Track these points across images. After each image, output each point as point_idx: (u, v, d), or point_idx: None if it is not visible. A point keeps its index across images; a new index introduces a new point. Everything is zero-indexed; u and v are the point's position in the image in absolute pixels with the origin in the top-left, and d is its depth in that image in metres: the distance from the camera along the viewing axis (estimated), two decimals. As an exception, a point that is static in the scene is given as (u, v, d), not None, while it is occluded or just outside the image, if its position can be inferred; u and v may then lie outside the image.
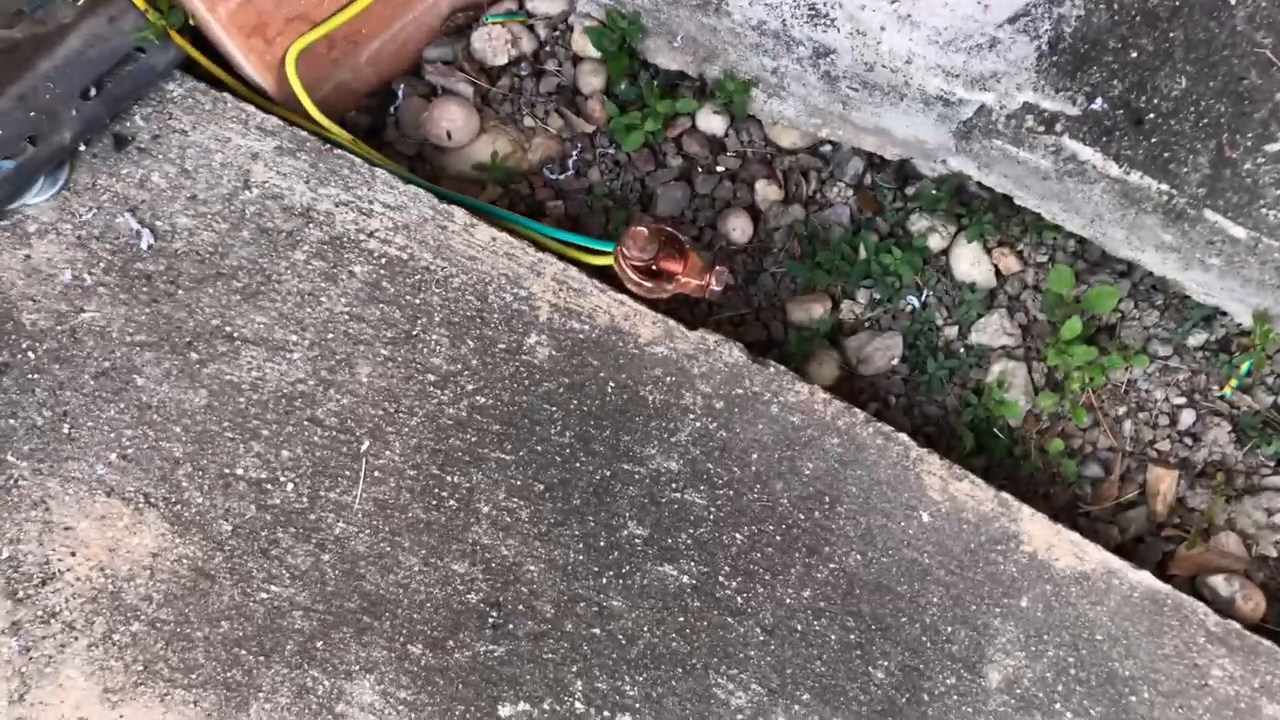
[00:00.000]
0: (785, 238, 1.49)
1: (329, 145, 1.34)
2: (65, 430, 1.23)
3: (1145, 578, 1.22)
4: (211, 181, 1.32)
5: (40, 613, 1.18)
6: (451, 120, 1.48)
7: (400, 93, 1.53)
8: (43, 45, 1.30)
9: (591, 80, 1.54)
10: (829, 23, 1.28)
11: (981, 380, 1.41)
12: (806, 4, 1.28)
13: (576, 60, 1.56)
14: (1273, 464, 1.38)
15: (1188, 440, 1.40)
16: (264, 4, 1.26)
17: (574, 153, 1.53)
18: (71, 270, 1.29)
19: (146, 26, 1.31)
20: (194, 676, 1.17)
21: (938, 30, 1.25)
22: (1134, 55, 1.23)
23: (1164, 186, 1.21)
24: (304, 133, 1.35)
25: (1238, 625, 1.21)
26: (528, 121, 1.54)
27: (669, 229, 1.27)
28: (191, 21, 1.30)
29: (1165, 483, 1.38)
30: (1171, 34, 1.24)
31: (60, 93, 1.30)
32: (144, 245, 1.30)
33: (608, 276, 1.35)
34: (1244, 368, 1.38)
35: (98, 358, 1.26)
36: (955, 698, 1.18)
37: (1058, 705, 1.18)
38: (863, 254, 1.46)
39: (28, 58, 1.29)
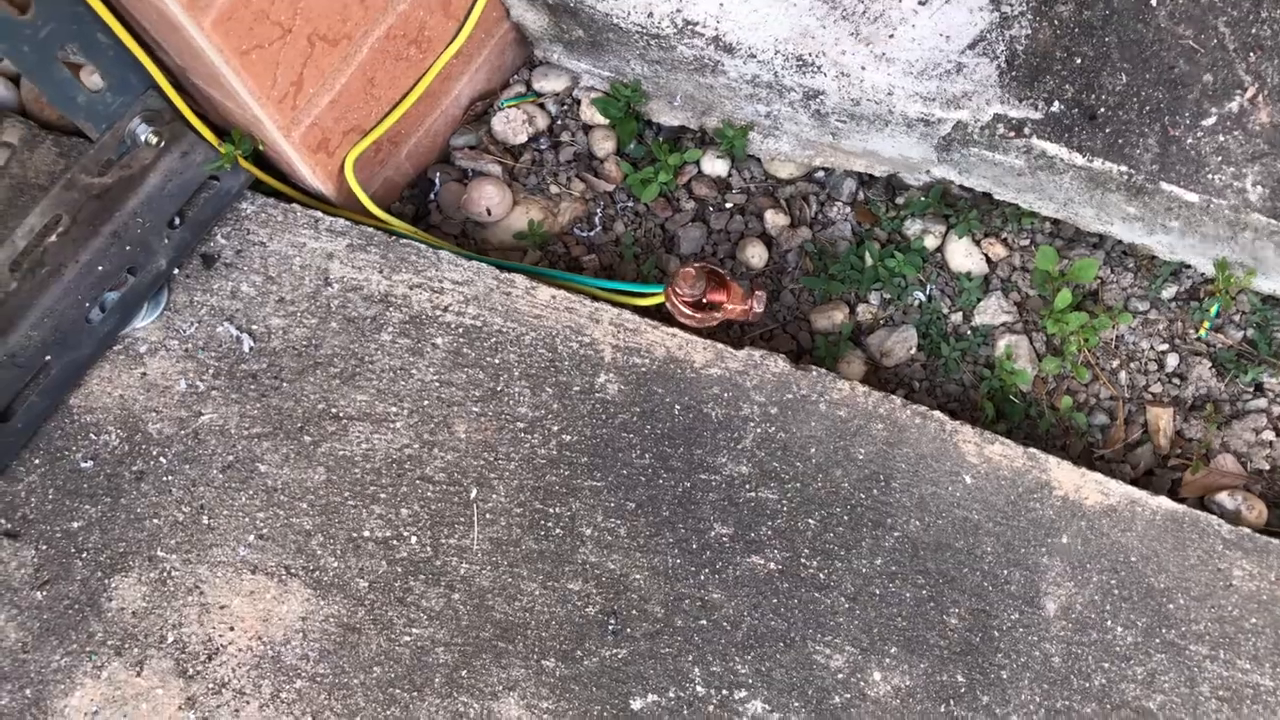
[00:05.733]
0: (798, 257, 1.68)
1: (394, 236, 1.51)
2: (205, 521, 1.38)
3: (1164, 502, 1.41)
4: (295, 283, 1.49)
5: (211, 685, 1.32)
6: (489, 198, 1.65)
7: (437, 180, 1.70)
8: (129, 186, 1.46)
9: (604, 145, 1.73)
10: (815, 69, 1.48)
11: (991, 355, 1.61)
12: (794, 56, 1.48)
13: (587, 129, 1.75)
14: (1252, 390, 1.58)
15: (1176, 380, 1.60)
16: (326, 122, 1.43)
17: (598, 211, 1.72)
18: (185, 380, 1.44)
19: (218, 158, 1.48)
20: (359, 719, 1.31)
21: (910, 63, 1.45)
22: (1079, 61, 1.44)
23: (1123, 168, 1.41)
24: (369, 229, 1.52)
25: (1249, 530, 1.40)
26: (553, 189, 1.72)
27: (710, 266, 1.45)
28: (262, 148, 1.47)
29: (1163, 420, 1.57)
30: (1107, 39, 1.45)
31: (149, 225, 1.46)
32: (245, 348, 1.45)
33: (656, 314, 1.52)
34: (1213, 310, 1.58)
35: (222, 453, 1.41)
36: (1021, 630, 1.36)
37: (1108, 622, 1.36)
38: (869, 261, 1.65)
39: (118, 199, 1.45)
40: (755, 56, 1.50)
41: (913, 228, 1.66)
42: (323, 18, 1.32)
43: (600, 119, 1.72)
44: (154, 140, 1.43)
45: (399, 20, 1.45)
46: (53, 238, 1.41)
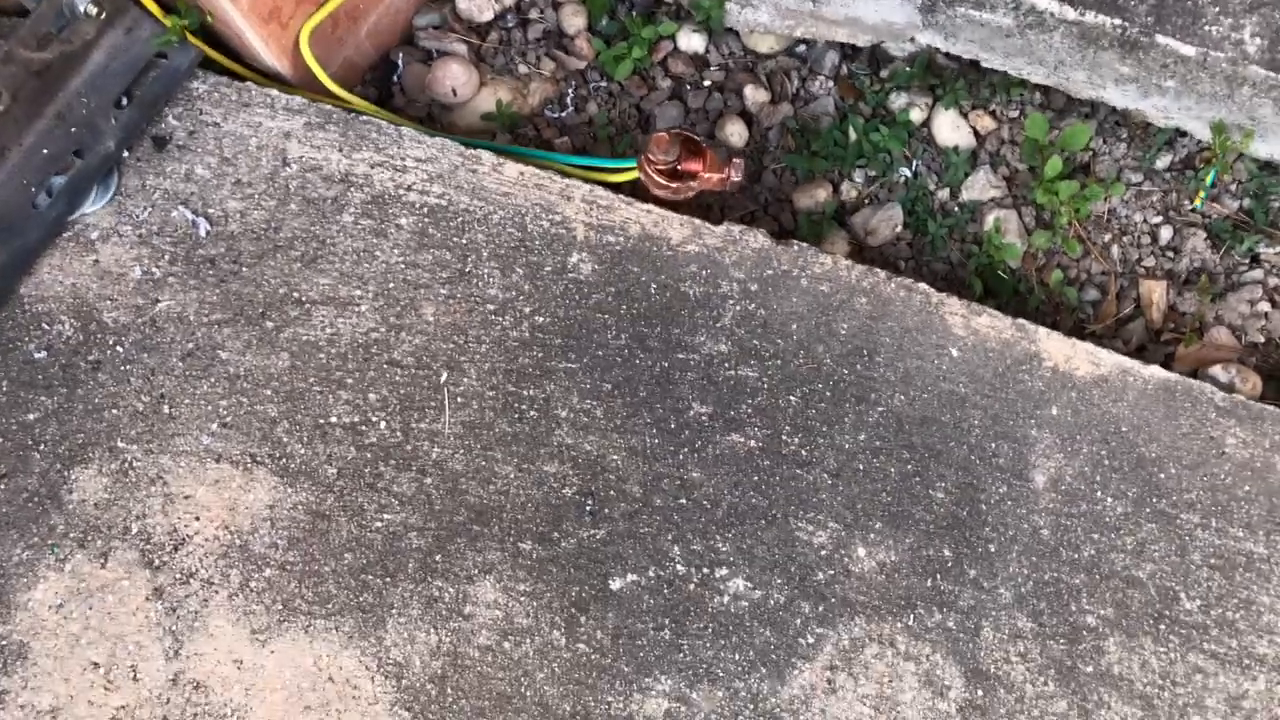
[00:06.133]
0: (779, 135, 1.61)
1: (354, 114, 1.44)
2: (166, 410, 1.33)
3: (1156, 370, 1.36)
4: (252, 165, 1.42)
5: (178, 575, 1.29)
6: (455, 78, 1.58)
7: (400, 61, 1.63)
8: (71, 63, 1.38)
9: (574, 21, 1.65)
10: (792, -75, 1.40)
11: (979, 232, 1.55)
12: (769, -89, 1.40)
13: (557, 5, 1.67)
14: (1248, 261, 1.53)
15: (1170, 253, 1.55)
16: (276, -11, 1.35)
17: (570, 90, 1.64)
18: (140, 266, 1.38)
19: (164, 32, 1.40)
20: (330, 606, 1.28)
21: (892, -85, 1.37)
22: (1070, -92, 1.36)
23: (1116, 21, 1.34)
24: (327, 106, 1.45)
25: (1243, 398, 1.36)
26: (522, 69, 1.64)
27: (686, 132, 1.39)
28: (210, 19, 1.39)
29: (1156, 294, 1.52)
30: (1100, -115, 1.37)
31: (95, 105, 1.39)
32: (202, 233, 1.39)
33: (630, 191, 1.46)
34: (1208, 179, 1.52)
35: (181, 341, 1.36)
36: (1009, 503, 1.32)
37: (1098, 493, 1.33)
38: (853, 137, 1.58)
39: (60, 77, 1.37)
40: (729, -86, 1.41)
41: (898, 101, 1.60)
42: None
43: (570, -6, 1.64)
44: (94, 11, 1.35)
45: (349, -121, 1.36)
46: (-9, 117, 1.33)
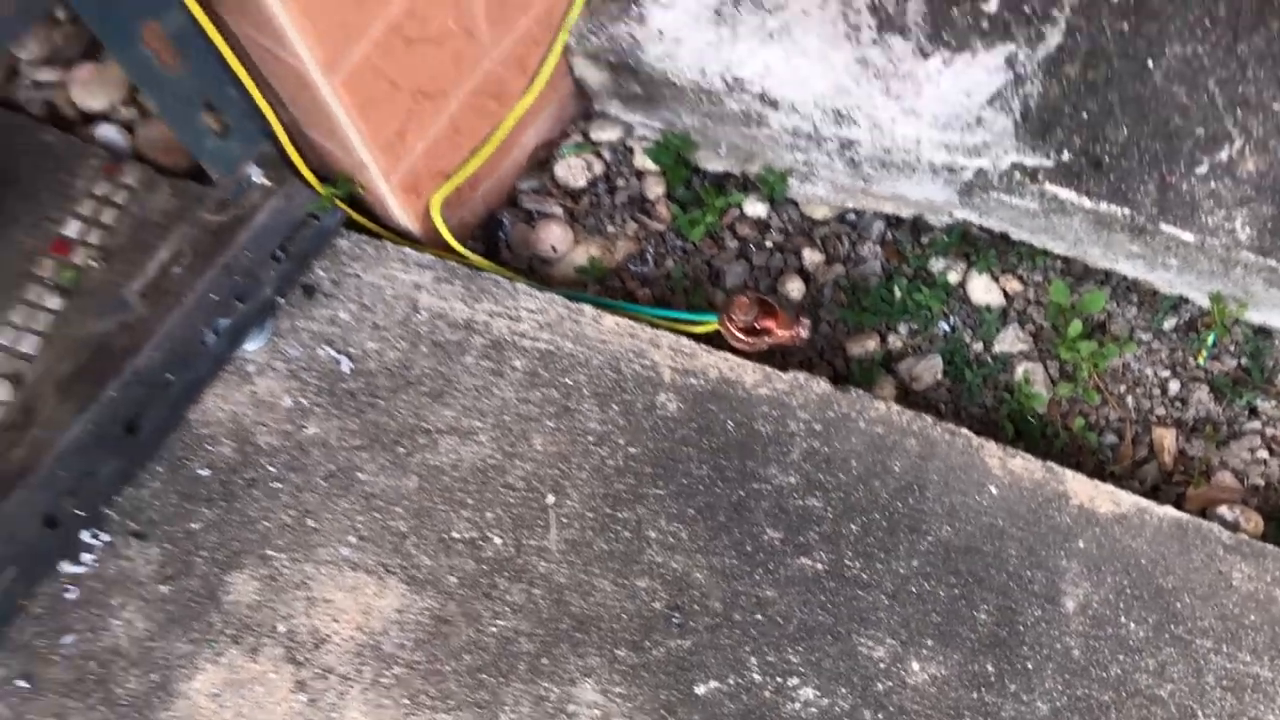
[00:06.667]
0: (833, 291, 1.85)
1: (475, 270, 1.68)
2: (310, 524, 1.54)
3: (1169, 510, 1.56)
4: (387, 311, 1.66)
5: (319, 670, 1.47)
6: (555, 238, 1.83)
7: (506, 221, 1.88)
8: (240, 223, 1.63)
9: (655, 189, 1.91)
10: (851, 121, 1.66)
11: (1010, 380, 1.77)
12: (832, 110, 1.66)
13: (640, 175, 1.93)
14: (1247, 413, 1.75)
15: (1178, 404, 1.77)
16: (419, 168, 1.61)
17: (650, 249, 1.89)
18: (290, 397, 1.60)
19: (318, 199, 1.65)
20: (450, 702, 1.46)
21: (936, 116, 1.64)
22: (1085, 116, 1.62)
23: (1126, 211, 1.59)
24: (452, 263, 1.69)
25: (1246, 536, 1.56)
26: (610, 229, 1.90)
27: (760, 294, 1.62)
28: (361, 190, 1.65)
29: (1167, 440, 1.73)
30: (1109, 96, 1.64)
31: (256, 258, 1.63)
32: (344, 369, 1.62)
33: (708, 340, 1.69)
34: (1210, 340, 1.75)
35: (324, 463, 1.57)
36: (1044, 625, 1.51)
37: (1122, 618, 1.51)
38: (897, 295, 1.82)
39: (230, 234, 1.62)
40: (797, 110, 1.68)
41: (937, 265, 1.84)
42: (425, 76, 1.50)
43: (652, 166, 1.90)
44: (267, 183, 1.60)
45: (484, 78, 1.63)
46: (176, 269, 1.58)
